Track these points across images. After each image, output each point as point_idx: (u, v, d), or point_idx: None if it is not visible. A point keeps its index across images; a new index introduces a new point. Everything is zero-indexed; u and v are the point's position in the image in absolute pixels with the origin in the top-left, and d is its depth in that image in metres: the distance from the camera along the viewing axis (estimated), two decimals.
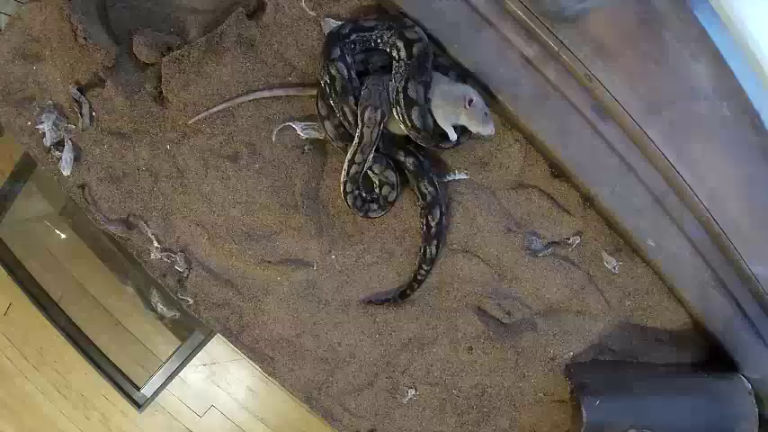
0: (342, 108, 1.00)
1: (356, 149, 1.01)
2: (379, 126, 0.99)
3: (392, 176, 1.06)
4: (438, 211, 1.07)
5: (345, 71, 0.98)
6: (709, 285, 1.08)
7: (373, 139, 0.99)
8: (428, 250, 1.09)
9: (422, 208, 1.08)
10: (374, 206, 1.07)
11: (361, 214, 1.08)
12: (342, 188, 1.05)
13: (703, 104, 1.00)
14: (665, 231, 1.06)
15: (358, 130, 0.99)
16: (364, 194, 1.07)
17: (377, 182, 1.07)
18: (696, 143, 1.03)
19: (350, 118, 1.00)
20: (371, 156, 1.02)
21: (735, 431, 1.07)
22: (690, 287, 1.09)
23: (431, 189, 1.06)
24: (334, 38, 1.00)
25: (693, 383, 1.12)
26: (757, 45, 1.00)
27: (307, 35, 1.05)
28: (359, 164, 1.02)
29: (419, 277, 1.12)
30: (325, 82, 1.00)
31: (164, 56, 1.05)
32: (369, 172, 1.06)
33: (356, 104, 0.99)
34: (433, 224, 1.08)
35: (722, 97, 1.00)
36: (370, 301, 1.14)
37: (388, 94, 1.00)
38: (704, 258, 1.07)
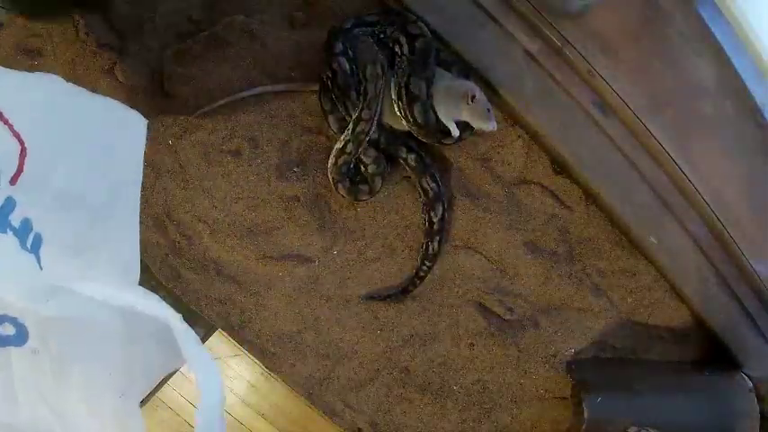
0: (344, 102, 1.00)
1: (363, 106, 0.99)
2: (382, 78, 0.98)
3: (377, 183, 1.05)
4: (440, 207, 1.07)
5: (347, 66, 0.98)
6: (711, 283, 1.08)
7: (377, 91, 0.98)
8: (430, 246, 1.09)
9: (424, 204, 1.08)
10: (346, 184, 1.05)
11: (335, 179, 1.05)
12: (340, 146, 1.02)
13: (706, 101, 1.00)
14: (667, 228, 1.06)
15: (362, 87, 0.98)
16: (352, 169, 1.05)
17: (364, 177, 1.06)
18: (699, 140, 1.03)
19: (352, 112, 1.00)
20: (378, 113, 1.00)
21: (735, 429, 1.07)
22: (692, 284, 1.09)
23: (433, 185, 1.06)
24: (336, 32, 0.99)
25: (695, 381, 1.12)
26: (761, 42, 1.00)
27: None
28: (366, 120, 0.99)
29: (421, 273, 1.11)
30: (327, 76, 1.00)
31: (166, 50, 1.05)
32: (361, 167, 1.06)
33: (358, 99, 0.99)
34: (435, 220, 1.08)
35: (725, 94, 1.00)
36: (371, 297, 1.14)
37: (382, 49, 1.00)
38: (706, 256, 1.07)
